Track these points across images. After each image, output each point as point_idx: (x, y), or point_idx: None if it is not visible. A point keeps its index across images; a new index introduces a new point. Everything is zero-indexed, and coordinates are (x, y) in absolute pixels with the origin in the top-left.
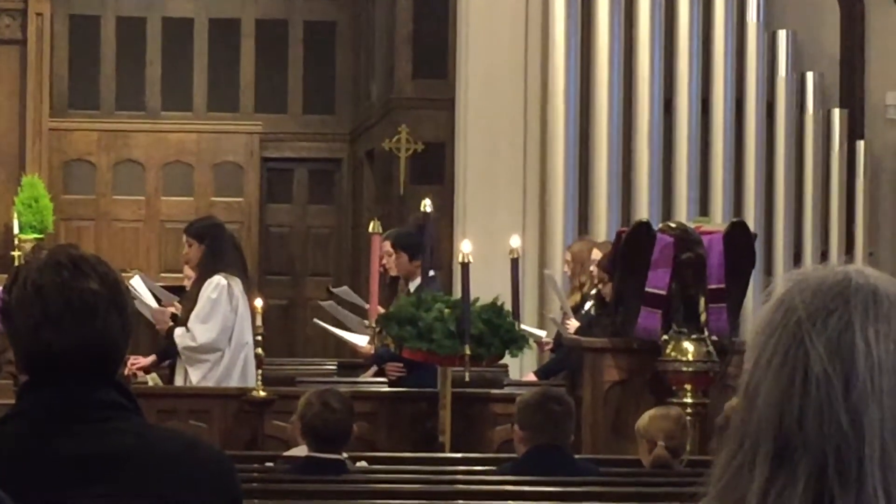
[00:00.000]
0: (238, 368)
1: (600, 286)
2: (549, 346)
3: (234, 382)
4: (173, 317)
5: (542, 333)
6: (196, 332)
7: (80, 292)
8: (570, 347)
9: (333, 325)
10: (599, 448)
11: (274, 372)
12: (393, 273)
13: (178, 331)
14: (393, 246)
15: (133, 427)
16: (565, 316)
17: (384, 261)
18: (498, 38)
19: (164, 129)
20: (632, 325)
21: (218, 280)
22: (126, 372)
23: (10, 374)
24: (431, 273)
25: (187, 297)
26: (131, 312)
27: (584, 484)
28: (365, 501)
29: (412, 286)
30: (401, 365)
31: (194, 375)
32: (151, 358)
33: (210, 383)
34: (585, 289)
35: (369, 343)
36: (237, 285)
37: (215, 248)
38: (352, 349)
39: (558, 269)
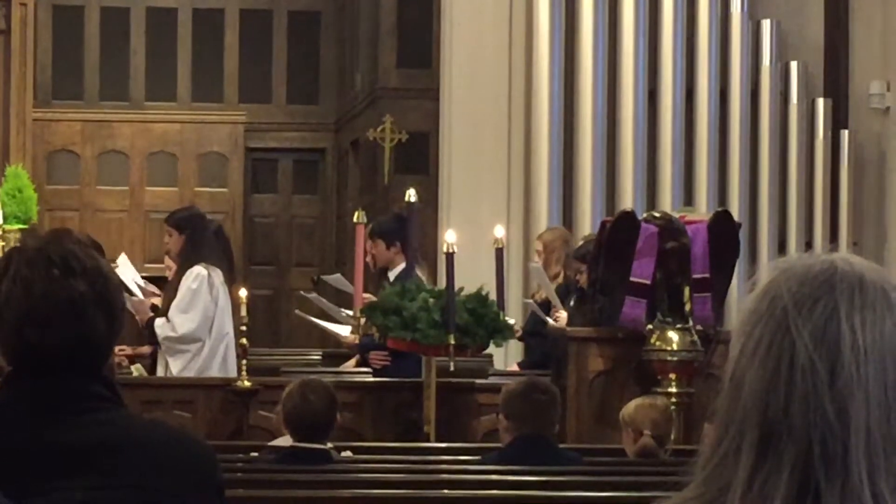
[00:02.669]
0: (218, 359)
1: (578, 277)
2: (518, 334)
3: (214, 373)
4: (153, 307)
5: (511, 321)
6: (176, 322)
7: (68, 293)
8: (554, 337)
9: (318, 316)
10: (584, 437)
11: (258, 362)
12: (371, 268)
13: (159, 321)
14: (370, 235)
15: (116, 418)
16: (555, 308)
17: (369, 251)
18: (482, 28)
19: (148, 119)
20: (616, 315)
21: (198, 270)
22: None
23: None
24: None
25: (168, 288)
26: (120, 308)
27: (568, 473)
28: (349, 491)
29: (392, 274)
30: (385, 353)
31: (174, 366)
32: (146, 348)
33: (190, 374)
34: (559, 279)
35: (352, 333)
36: (218, 276)
37: (196, 238)
38: (335, 339)
39: None
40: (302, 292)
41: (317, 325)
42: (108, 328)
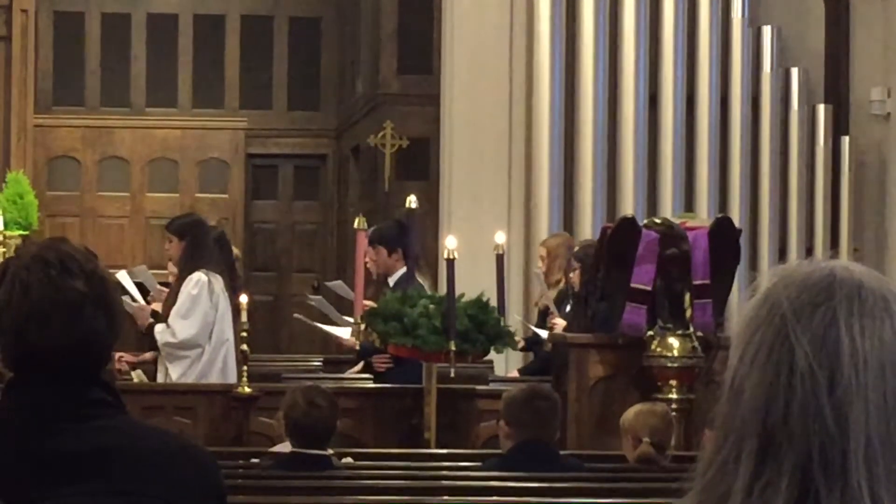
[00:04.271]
0: (218, 365)
1: (571, 275)
2: (521, 346)
3: (213, 379)
4: (154, 313)
5: (512, 328)
6: (176, 328)
7: (66, 292)
8: (554, 344)
9: (320, 321)
10: (585, 444)
11: (259, 368)
12: (373, 275)
13: (159, 327)
14: (371, 242)
15: (118, 424)
16: (552, 315)
17: (369, 258)
18: (483, 33)
19: (149, 125)
20: (616, 321)
21: (198, 276)
22: (116, 364)
23: None
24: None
25: (169, 294)
26: (119, 310)
27: (569, 479)
28: (350, 497)
29: (391, 280)
30: (388, 357)
31: (174, 372)
32: (150, 355)
33: (190, 380)
34: (562, 285)
35: (352, 336)
36: (218, 282)
37: (196, 244)
38: (335, 343)
39: None
40: (307, 294)
41: (316, 328)
42: (108, 329)
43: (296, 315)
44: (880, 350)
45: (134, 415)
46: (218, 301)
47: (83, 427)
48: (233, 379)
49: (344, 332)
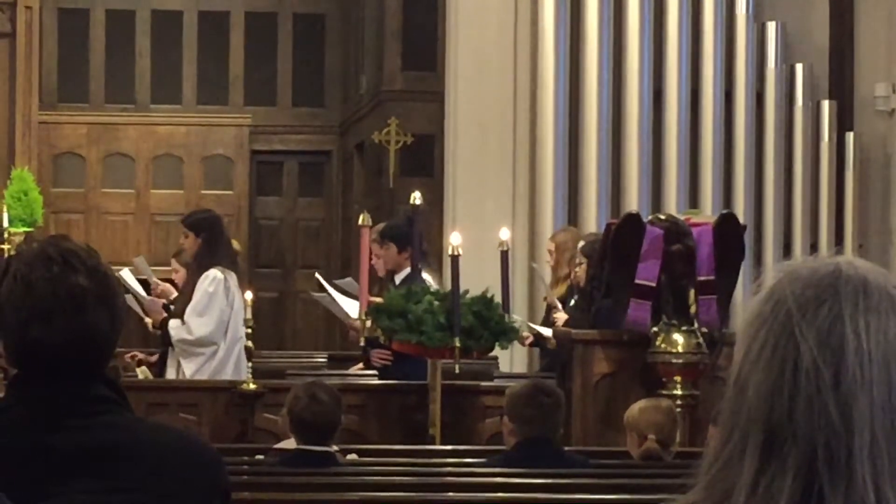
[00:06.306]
0: (232, 362)
1: (577, 270)
2: (530, 341)
3: (227, 376)
4: (166, 308)
5: (516, 324)
6: (192, 325)
7: (69, 287)
8: (559, 340)
9: (326, 315)
10: (589, 440)
11: (264, 365)
12: (380, 273)
13: (174, 323)
14: (381, 237)
15: (122, 421)
16: (554, 309)
17: (373, 256)
18: (487, 30)
19: (154, 122)
20: (621, 317)
21: (215, 274)
22: (127, 361)
23: (1, 367)
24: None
25: (183, 290)
26: (121, 306)
27: (573, 476)
28: (355, 494)
29: (398, 278)
30: (388, 353)
31: (188, 368)
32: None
33: (204, 377)
34: (570, 280)
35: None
36: (233, 279)
37: (212, 241)
38: (341, 318)
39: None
40: (312, 293)
41: (328, 305)
42: (111, 324)
43: (311, 293)
44: (885, 346)
45: (139, 411)
46: (233, 298)
47: (86, 423)
48: (246, 376)
49: (352, 310)
